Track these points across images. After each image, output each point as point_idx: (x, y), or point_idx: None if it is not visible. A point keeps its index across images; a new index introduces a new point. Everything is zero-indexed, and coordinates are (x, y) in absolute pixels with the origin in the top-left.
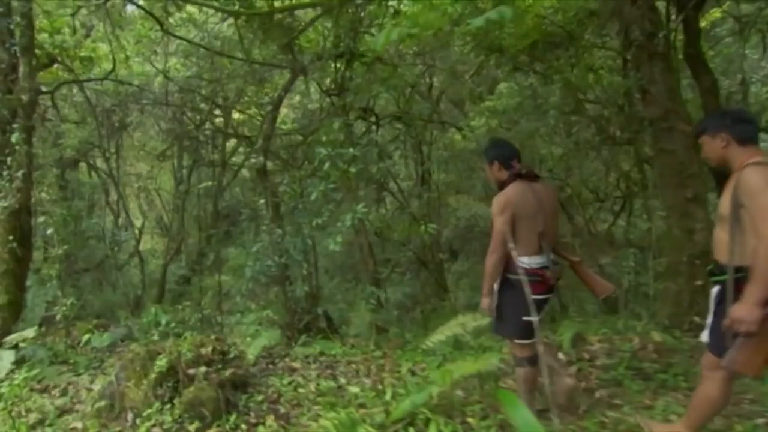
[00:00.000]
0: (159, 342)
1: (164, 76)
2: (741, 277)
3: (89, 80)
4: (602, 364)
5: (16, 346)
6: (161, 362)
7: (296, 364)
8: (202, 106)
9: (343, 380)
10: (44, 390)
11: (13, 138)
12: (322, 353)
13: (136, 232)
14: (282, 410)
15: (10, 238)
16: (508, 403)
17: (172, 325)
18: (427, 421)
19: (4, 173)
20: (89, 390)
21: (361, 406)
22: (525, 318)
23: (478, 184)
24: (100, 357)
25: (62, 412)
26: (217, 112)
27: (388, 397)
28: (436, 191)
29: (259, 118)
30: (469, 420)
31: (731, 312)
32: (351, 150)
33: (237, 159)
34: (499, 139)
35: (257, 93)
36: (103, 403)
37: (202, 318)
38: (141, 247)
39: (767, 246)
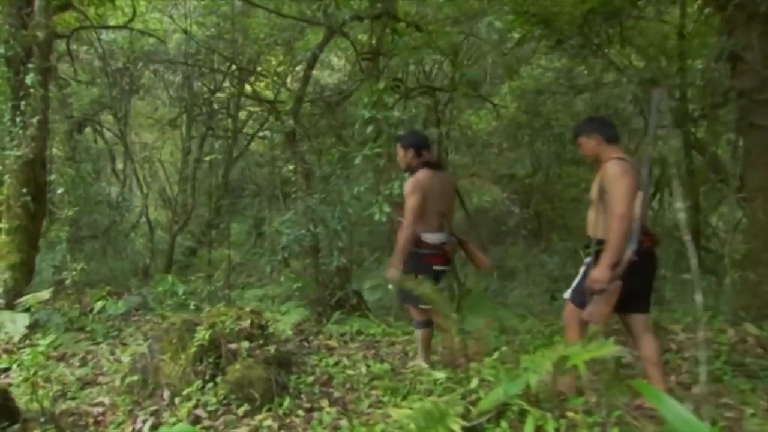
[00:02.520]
0: (192, 312)
1: (183, 31)
2: (602, 247)
3: (107, 27)
4: (693, 356)
5: (28, 310)
6: (202, 335)
7: (333, 343)
8: (222, 68)
9: (394, 362)
10: (62, 358)
11: (28, 79)
12: (359, 332)
13: (145, 199)
14: (336, 394)
15: (24, 191)
16: (655, 398)
17: (184, 297)
18: (522, 414)
19: (18, 119)
20: (112, 361)
21: (428, 392)
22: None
23: (493, 166)
24: (118, 326)
25: (84, 383)
26: (235, 76)
27: (473, 384)
28: (452, 173)
29: (277, 83)
30: (570, 414)
31: (590, 274)
32: (396, 113)
33: (248, 131)
34: (417, 130)
35: (284, 56)
36: (135, 377)
37: (212, 291)
38: (145, 218)
39: (618, 222)
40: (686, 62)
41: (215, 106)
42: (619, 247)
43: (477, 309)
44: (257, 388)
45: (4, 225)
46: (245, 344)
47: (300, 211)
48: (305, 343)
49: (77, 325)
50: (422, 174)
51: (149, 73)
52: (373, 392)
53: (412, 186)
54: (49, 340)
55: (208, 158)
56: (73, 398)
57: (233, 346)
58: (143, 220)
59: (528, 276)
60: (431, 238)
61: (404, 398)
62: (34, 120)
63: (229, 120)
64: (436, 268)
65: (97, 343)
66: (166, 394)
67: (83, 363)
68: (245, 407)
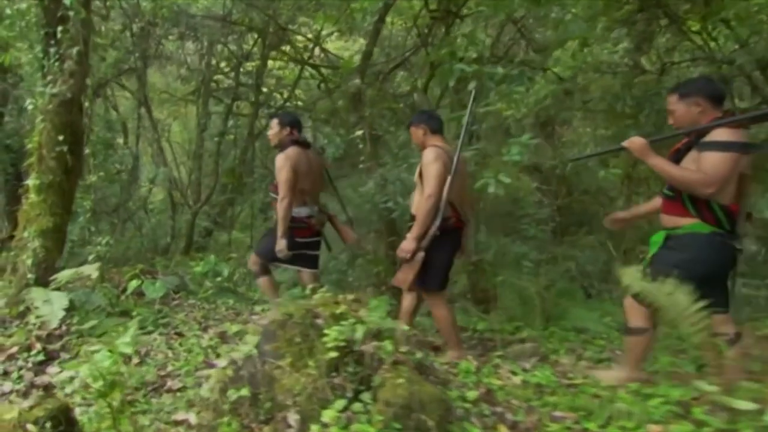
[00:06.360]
0: (304, 300)
1: None
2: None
3: None
4: None
5: (58, 289)
6: (338, 333)
7: (433, 340)
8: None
9: (550, 369)
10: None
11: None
12: (463, 328)
13: (169, 172)
14: (510, 417)
15: (60, 138)
16: None
17: (226, 279)
18: None
19: (52, 50)
20: (173, 357)
21: (626, 415)
22: (293, 251)
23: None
24: (165, 311)
25: (150, 388)
26: (277, 36)
27: None
28: (480, 157)
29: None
30: None
31: (400, 245)
32: (499, 69)
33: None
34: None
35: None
36: (243, 391)
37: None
38: (152, 199)
39: (425, 201)
40: None
41: (242, 79)
42: (425, 223)
43: (572, 301)
44: (430, 413)
45: (33, 181)
46: (388, 347)
47: (377, 182)
48: None
49: (120, 308)
50: (292, 151)
51: (169, 43)
52: (558, 414)
53: (283, 161)
54: (130, 334)
55: (231, 136)
56: (142, 411)
57: (367, 347)
58: (153, 197)
59: (553, 270)
60: (296, 212)
61: (607, 424)
62: (74, 51)
63: (256, 91)
64: (299, 240)
65: (149, 332)
66: (293, 418)
67: (140, 359)
68: None
